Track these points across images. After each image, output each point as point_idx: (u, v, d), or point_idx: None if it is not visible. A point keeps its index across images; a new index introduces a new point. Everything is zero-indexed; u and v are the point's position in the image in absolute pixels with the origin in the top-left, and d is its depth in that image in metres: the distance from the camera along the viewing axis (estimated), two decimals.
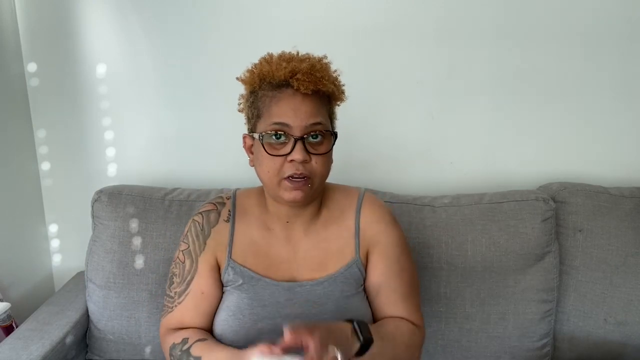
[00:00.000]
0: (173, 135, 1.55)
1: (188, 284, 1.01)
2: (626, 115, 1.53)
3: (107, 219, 1.32)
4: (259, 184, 1.11)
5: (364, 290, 1.03)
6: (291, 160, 0.89)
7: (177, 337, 0.98)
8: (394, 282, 1.02)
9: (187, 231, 1.05)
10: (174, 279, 1.03)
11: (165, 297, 1.05)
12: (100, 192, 1.35)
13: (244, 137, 1.00)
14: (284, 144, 0.90)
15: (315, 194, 0.97)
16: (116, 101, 1.53)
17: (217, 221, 1.04)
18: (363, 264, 1.02)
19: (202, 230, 1.03)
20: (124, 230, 1.31)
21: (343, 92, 0.98)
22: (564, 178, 1.52)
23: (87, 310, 1.35)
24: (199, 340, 0.95)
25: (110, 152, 1.56)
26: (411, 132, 1.55)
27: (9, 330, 1.30)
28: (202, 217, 1.05)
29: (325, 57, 0.97)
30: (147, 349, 1.31)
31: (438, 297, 1.30)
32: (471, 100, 1.52)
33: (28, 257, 1.55)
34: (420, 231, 1.31)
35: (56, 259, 1.64)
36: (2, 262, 1.41)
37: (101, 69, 1.50)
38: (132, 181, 1.50)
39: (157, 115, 1.54)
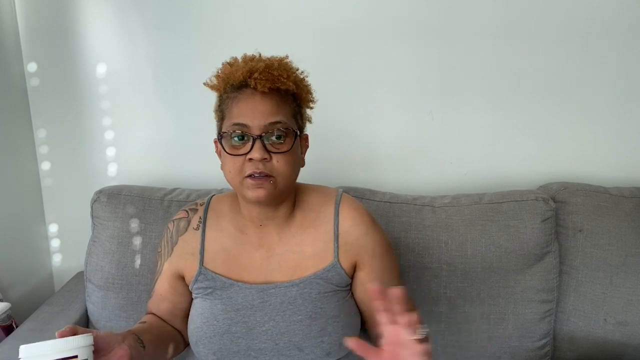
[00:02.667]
0: (173, 135, 1.55)
1: (155, 283, 1.06)
2: (626, 115, 1.52)
3: (107, 219, 1.32)
4: None
5: (350, 293, 1.03)
6: (250, 159, 0.90)
7: (143, 318, 1.06)
8: (388, 282, 1.01)
9: (163, 236, 1.08)
10: (154, 276, 1.08)
11: None
12: (99, 192, 1.35)
13: (215, 142, 1.01)
14: (245, 143, 0.91)
15: (283, 194, 0.97)
16: (116, 101, 1.53)
17: (185, 229, 1.05)
18: (344, 268, 1.00)
19: (171, 237, 1.05)
20: (123, 231, 1.31)
21: (310, 93, 0.99)
22: (564, 178, 1.52)
23: (87, 311, 1.35)
24: (141, 323, 1.01)
25: (110, 152, 1.56)
26: (411, 132, 1.55)
27: (9, 330, 1.30)
28: (174, 224, 1.07)
29: (287, 57, 0.98)
30: None
31: (438, 297, 1.30)
32: (471, 100, 1.52)
33: (28, 257, 1.56)
34: (420, 231, 1.31)
35: (56, 259, 1.64)
36: (2, 262, 1.41)
37: (101, 69, 1.50)
38: (131, 181, 1.50)
39: (157, 115, 1.54)
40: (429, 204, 1.35)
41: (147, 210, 1.32)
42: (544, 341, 1.33)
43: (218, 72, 0.98)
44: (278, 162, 0.91)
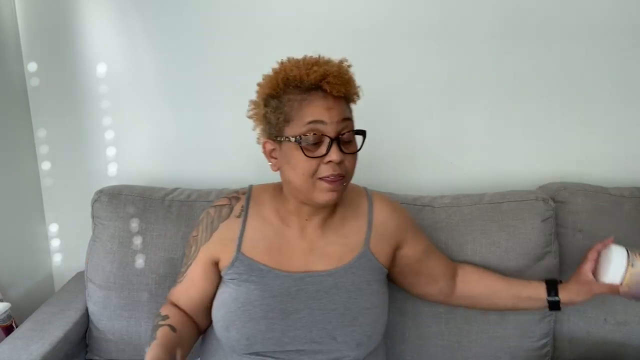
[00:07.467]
0: (173, 135, 1.55)
1: (188, 267, 1.07)
2: (626, 115, 1.53)
3: (107, 219, 1.32)
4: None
5: (384, 286, 1.09)
6: (328, 162, 0.92)
7: (164, 310, 1.07)
8: (431, 247, 1.17)
9: (201, 220, 1.09)
10: (184, 259, 1.10)
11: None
12: (100, 192, 1.35)
13: (264, 143, 1.01)
14: (318, 145, 0.92)
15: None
16: (116, 101, 1.53)
17: (227, 216, 1.07)
18: (375, 255, 1.06)
19: (211, 223, 1.07)
20: (124, 231, 1.31)
21: (357, 94, 1.01)
22: (564, 178, 1.52)
23: (87, 311, 1.35)
24: (170, 327, 1.01)
25: (111, 151, 1.56)
26: (411, 132, 1.55)
27: (9, 330, 1.30)
28: (215, 210, 1.08)
29: (346, 59, 0.99)
30: (148, 349, 1.31)
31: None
32: (471, 100, 1.52)
33: (28, 257, 1.56)
34: None
35: (56, 258, 1.64)
36: (2, 262, 1.41)
37: (101, 69, 1.50)
38: (132, 181, 1.49)
39: (158, 115, 1.54)
40: (429, 204, 1.35)
41: (148, 210, 1.32)
42: (544, 341, 1.33)
43: (273, 72, 0.98)
44: (349, 163, 0.95)
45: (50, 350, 1.18)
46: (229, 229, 1.05)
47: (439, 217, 1.32)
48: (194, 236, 1.09)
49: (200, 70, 1.50)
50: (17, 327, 1.30)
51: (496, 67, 1.49)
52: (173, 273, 1.29)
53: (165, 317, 1.03)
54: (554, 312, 1.34)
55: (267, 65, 1.47)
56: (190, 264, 1.07)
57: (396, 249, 1.11)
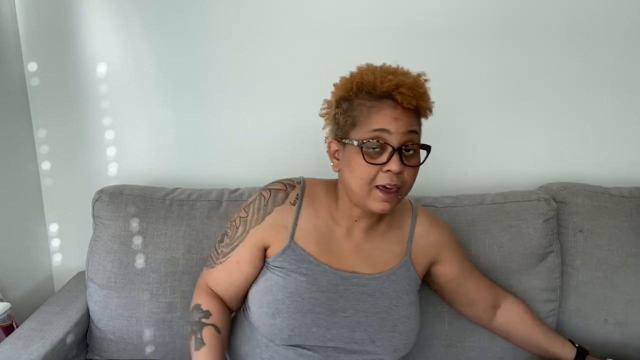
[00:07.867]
0: (174, 134, 1.55)
1: (233, 249, 1.05)
2: (626, 115, 1.53)
3: (108, 218, 1.32)
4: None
5: (417, 298, 1.10)
6: (387, 170, 0.92)
7: (205, 302, 1.06)
8: (468, 267, 1.18)
9: (251, 202, 1.07)
10: (225, 239, 1.07)
11: (212, 249, 1.11)
12: (101, 192, 1.35)
13: (330, 143, 1.01)
14: (380, 153, 0.93)
15: None
16: (117, 100, 1.52)
17: (282, 202, 1.05)
18: (415, 266, 1.08)
19: (265, 205, 1.05)
20: (124, 230, 1.31)
21: (430, 109, 0.99)
22: (564, 178, 1.52)
23: (87, 310, 1.35)
24: (215, 327, 1.01)
25: (111, 151, 1.56)
26: None
27: (9, 330, 1.29)
28: (270, 193, 1.06)
29: (424, 73, 0.98)
30: (148, 349, 1.31)
31: (441, 298, 1.30)
32: (471, 100, 1.52)
33: (28, 257, 1.55)
34: None
35: (56, 258, 1.63)
36: (2, 262, 1.41)
37: (102, 69, 1.50)
38: (132, 181, 1.49)
39: (158, 115, 1.54)
40: (431, 205, 1.35)
41: (149, 210, 1.32)
42: None
43: (350, 75, 0.98)
44: (408, 176, 0.95)
45: (50, 350, 1.17)
46: (282, 215, 1.04)
47: (442, 218, 1.32)
48: (242, 217, 1.06)
49: (201, 69, 1.50)
50: (17, 327, 1.30)
51: (497, 67, 1.49)
52: (174, 272, 1.29)
53: (208, 314, 1.03)
54: (556, 314, 1.34)
55: (268, 64, 1.48)
56: (237, 246, 1.05)
57: (431, 265, 1.13)
